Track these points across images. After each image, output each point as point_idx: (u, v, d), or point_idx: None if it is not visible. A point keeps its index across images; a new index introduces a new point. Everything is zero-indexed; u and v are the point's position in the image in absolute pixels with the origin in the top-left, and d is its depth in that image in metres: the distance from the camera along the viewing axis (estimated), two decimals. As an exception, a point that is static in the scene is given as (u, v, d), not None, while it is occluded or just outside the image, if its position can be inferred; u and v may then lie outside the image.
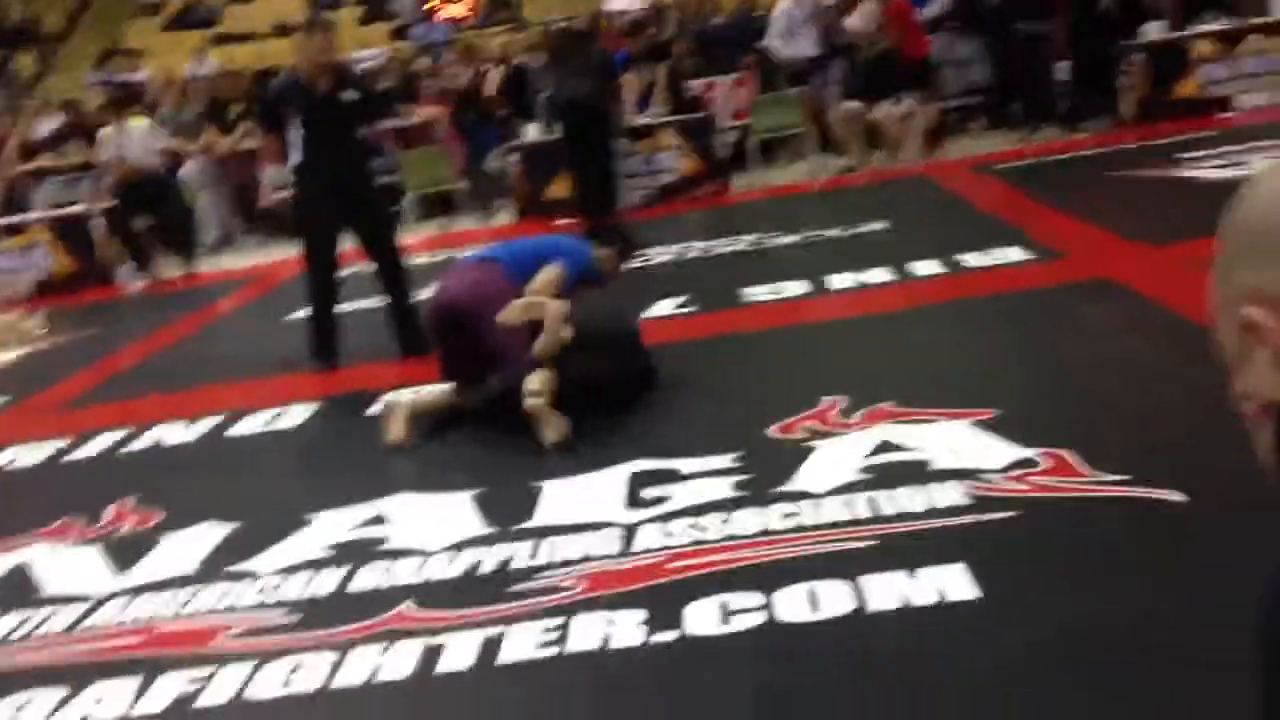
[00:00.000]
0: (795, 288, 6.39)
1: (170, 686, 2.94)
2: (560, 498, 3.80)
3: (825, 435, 3.99)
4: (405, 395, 4.90)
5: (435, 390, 4.89)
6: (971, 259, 6.33)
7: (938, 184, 9.50)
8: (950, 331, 5.24)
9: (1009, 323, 5.28)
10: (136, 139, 11.39)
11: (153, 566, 3.79)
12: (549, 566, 3.29)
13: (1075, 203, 7.44)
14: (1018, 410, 3.94)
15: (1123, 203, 7.41)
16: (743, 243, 8.13)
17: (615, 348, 4.82)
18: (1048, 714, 2.33)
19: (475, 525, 3.69)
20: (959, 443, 3.72)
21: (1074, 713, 2.32)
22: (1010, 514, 3.17)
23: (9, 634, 3.43)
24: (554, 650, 2.82)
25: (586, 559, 3.30)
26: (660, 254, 8.13)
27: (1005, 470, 3.44)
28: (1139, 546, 2.93)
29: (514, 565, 3.34)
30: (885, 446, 3.79)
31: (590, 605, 3.01)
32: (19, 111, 15.75)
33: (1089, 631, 2.56)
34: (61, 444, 5.49)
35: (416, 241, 10.85)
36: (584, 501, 3.74)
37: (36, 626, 3.45)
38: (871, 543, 3.12)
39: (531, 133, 11.28)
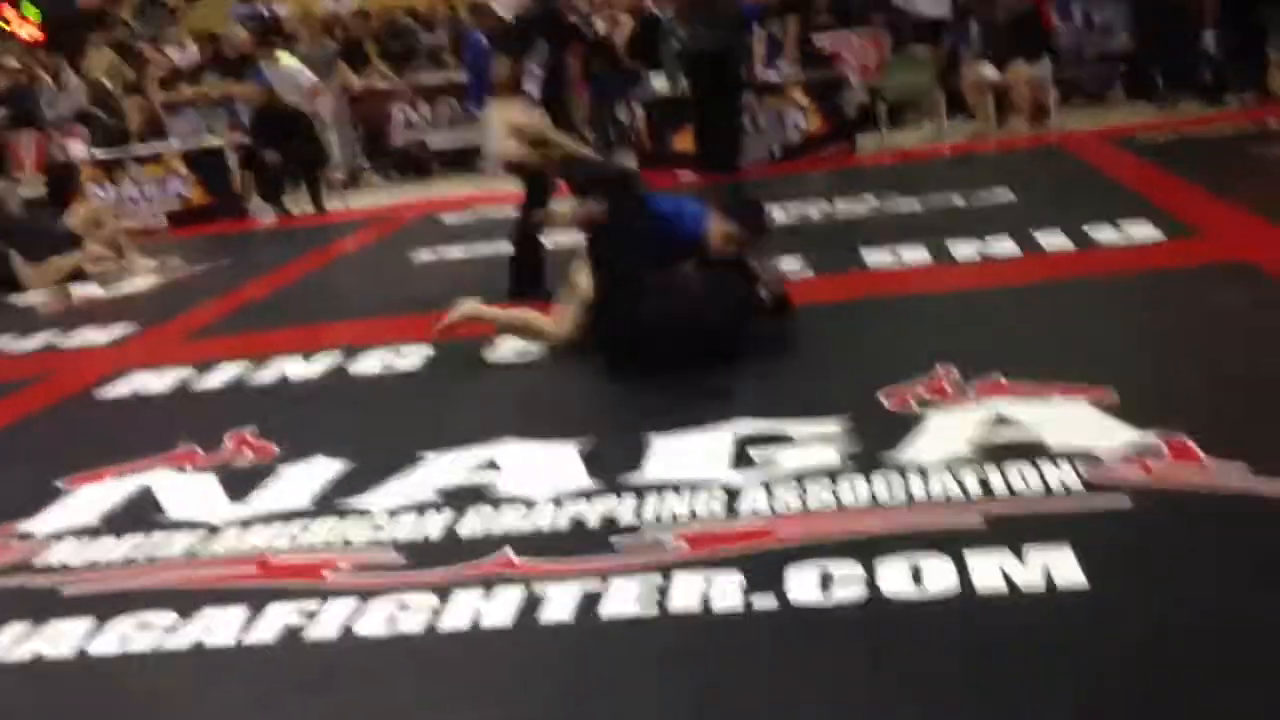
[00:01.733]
0: (915, 254, 6.30)
1: (279, 617, 3.02)
2: (667, 454, 3.81)
3: (937, 406, 3.94)
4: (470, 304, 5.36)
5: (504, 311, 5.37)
6: (1100, 233, 6.17)
7: (1070, 153, 9.27)
8: (1073, 307, 5.12)
9: (1136, 301, 5.14)
10: (286, 76, 11.60)
11: (268, 497, 3.89)
12: (653, 523, 3.31)
13: (1215, 180, 7.21)
14: (1139, 393, 3.84)
15: (1266, 183, 7.16)
16: (864, 206, 8.04)
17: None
18: (1143, 711, 2.28)
19: (582, 477, 3.72)
20: (1075, 422, 3.64)
21: (1170, 713, 2.27)
22: (1125, 499, 3.10)
23: (129, 555, 3.56)
24: (654, 608, 2.84)
25: (690, 518, 3.31)
26: (780, 214, 8.08)
27: (1122, 454, 3.37)
28: (1257, 544, 2.84)
29: (618, 520, 3.37)
30: (999, 421, 3.73)
31: (691, 565, 3.02)
32: (162, 42, 16.12)
33: (1195, 631, 2.50)
34: (187, 372, 5.65)
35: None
36: (691, 459, 3.74)
37: (156, 550, 3.57)
38: (979, 520, 3.08)
39: (658, 84, 11.23)
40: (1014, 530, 2.99)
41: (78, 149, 12.58)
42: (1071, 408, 3.78)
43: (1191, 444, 3.36)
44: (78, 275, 8.69)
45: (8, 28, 16.02)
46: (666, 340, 4.68)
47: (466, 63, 12.48)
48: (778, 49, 11.49)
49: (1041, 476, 3.28)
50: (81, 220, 8.85)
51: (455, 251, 8.16)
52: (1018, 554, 2.85)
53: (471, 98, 12.62)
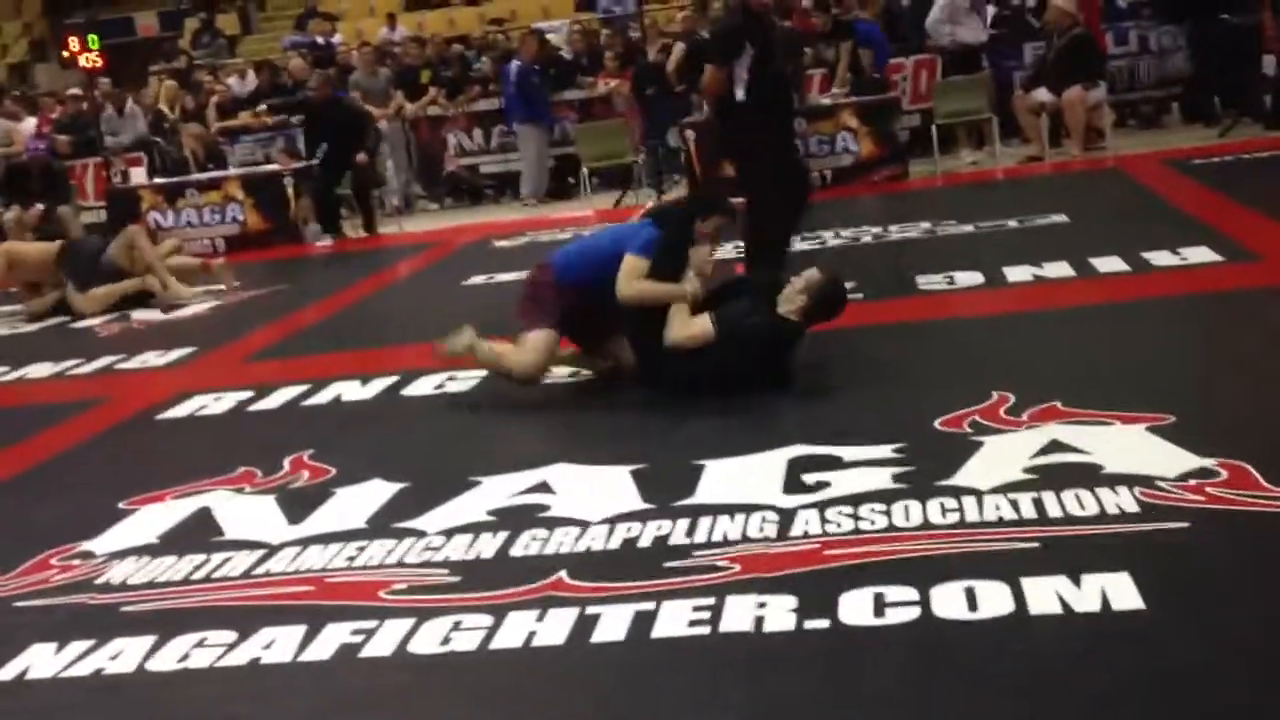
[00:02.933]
0: (969, 278, 6.28)
1: (336, 635, 3.05)
2: (720, 477, 3.82)
3: (992, 431, 3.92)
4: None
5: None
6: (1157, 257, 6.13)
7: (1127, 177, 9.20)
8: (1130, 332, 5.08)
9: (1194, 326, 5.10)
10: None
11: (325, 519, 3.93)
12: (705, 545, 3.31)
13: (1274, 204, 7.13)
14: (1197, 418, 3.81)
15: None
16: (917, 230, 8.02)
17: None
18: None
19: (635, 499, 3.73)
20: (1132, 447, 3.62)
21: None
22: (1183, 525, 3.07)
23: (189, 575, 3.60)
24: (706, 629, 2.84)
25: (743, 540, 3.31)
26: (833, 238, 8.09)
27: (1180, 479, 3.34)
28: (1319, 568, 2.81)
29: (671, 542, 3.37)
30: (1054, 446, 3.70)
31: (744, 587, 3.02)
32: (220, 70, 16.38)
33: (1254, 655, 2.48)
34: (245, 395, 5.72)
35: (591, 213, 11.01)
36: (743, 483, 3.74)
37: (215, 569, 3.62)
38: (1035, 545, 3.06)
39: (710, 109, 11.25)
40: (1070, 554, 2.97)
41: (138, 175, 12.78)
42: (1128, 433, 3.75)
43: (1250, 469, 3.32)
44: (133, 300, 8.79)
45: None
46: (673, 366, 4.73)
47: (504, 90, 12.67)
48: (831, 73, 11.50)
49: (1098, 501, 3.26)
50: (119, 248, 8.94)
51: (507, 276, 8.21)
52: (1073, 578, 2.83)
53: (509, 121, 12.79)
